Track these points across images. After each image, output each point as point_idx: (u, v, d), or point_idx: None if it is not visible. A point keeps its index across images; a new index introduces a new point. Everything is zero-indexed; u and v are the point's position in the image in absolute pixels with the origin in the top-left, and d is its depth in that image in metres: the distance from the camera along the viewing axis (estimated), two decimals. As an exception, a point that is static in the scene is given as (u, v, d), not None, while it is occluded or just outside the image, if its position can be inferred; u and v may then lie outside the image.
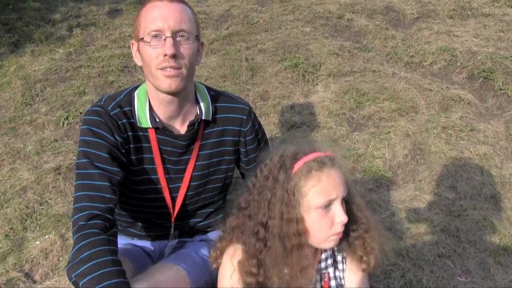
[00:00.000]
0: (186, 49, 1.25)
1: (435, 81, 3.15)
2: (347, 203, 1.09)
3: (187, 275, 1.33)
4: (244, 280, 1.06)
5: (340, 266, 1.15)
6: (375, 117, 2.86)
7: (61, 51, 3.74)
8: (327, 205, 1.02)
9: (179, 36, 1.24)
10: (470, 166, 2.49)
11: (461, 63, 3.22)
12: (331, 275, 1.14)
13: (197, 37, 1.30)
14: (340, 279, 1.14)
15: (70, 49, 3.75)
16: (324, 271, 1.13)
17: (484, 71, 3.10)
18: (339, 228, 1.03)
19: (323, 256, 1.13)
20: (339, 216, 1.01)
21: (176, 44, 1.23)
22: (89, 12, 4.32)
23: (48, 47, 3.79)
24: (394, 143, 2.64)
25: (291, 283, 1.03)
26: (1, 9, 4.29)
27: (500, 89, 3.00)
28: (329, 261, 1.14)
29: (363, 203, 1.15)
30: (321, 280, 1.14)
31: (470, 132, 2.70)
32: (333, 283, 1.14)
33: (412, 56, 3.37)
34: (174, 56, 1.22)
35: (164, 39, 1.22)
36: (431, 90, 3.02)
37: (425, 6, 3.99)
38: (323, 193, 1.01)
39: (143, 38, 1.24)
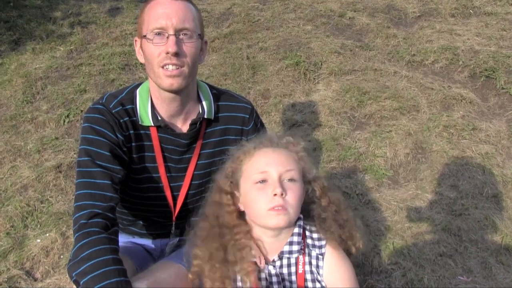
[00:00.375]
0: (188, 47, 1.24)
1: (436, 80, 3.14)
2: (313, 191, 1.16)
3: (188, 274, 1.32)
4: (193, 264, 1.15)
5: (314, 262, 1.14)
6: (377, 116, 2.85)
7: (62, 49, 3.74)
8: (263, 180, 1.09)
9: (182, 34, 1.23)
10: (472, 165, 2.48)
11: (463, 62, 3.21)
12: (307, 269, 1.14)
13: (201, 36, 1.29)
14: (317, 274, 1.14)
15: (71, 47, 3.75)
16: (288, 255, 1.13)
17: (486, 70, 3.09)
18: (276, 201, 1.06)
19: (289, 239, 1.14)
20: (274, 187, 1.07)
21: (178, 42, 1.22)
22: (90, 10, 4.32)
23: (49, 45, 3.78)
24: (395, 142, 2.64)
25: (231, 262, 1.10)
26: (2, 7, 4.28)
27: (502, 88, 2.99)
28: (295, 247, 1.13)
29: (331, 186, 1.21)
30: (280, 258, 1.15)
31: (471, 131, 2.69)
32: (308, 276, 1.14)
33: (414, 54, 3.36)
34: (176, 54, 1.21)
35: (167, 37, 1.21)
36: (432, 89, 3.02)
37: (427, 5, 3.98)
38: (254, 166, 1.12)
39: (146, 35, 1.24)
